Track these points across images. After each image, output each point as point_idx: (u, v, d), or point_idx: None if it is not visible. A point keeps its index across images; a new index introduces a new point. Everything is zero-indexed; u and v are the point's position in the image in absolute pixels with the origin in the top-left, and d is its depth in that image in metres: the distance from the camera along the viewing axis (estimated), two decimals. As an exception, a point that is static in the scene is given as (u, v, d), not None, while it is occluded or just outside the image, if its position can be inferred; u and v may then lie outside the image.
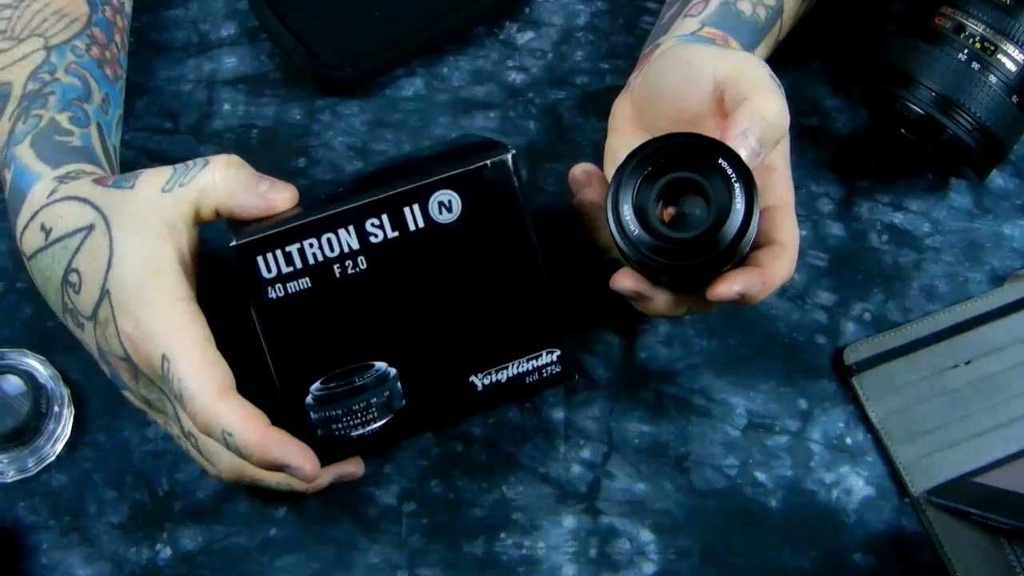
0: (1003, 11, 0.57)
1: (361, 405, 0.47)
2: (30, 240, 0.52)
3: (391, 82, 0.68)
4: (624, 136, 0.57)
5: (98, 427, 0.62)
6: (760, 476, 0.62)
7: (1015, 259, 0.65)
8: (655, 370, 0.63)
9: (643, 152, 0.50)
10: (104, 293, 0.49)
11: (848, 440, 0.62)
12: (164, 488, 0.62)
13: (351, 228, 0.47)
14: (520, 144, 0.66)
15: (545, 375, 0.50)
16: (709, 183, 0.49)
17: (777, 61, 0.60)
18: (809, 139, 0.66)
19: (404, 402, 0.48)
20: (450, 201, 0.48)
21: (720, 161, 0.48)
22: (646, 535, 0.61)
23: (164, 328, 0.48)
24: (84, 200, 0.51)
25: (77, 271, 0.50)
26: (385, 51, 0.66)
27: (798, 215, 0.55)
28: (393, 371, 0.47)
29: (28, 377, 0.60)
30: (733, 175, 0.48)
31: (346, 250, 0.47)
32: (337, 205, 0.48)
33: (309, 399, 0.47)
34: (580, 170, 0.55)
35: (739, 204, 0.48)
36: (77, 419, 0.62)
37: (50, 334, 0.63)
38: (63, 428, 0.62)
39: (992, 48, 0.57)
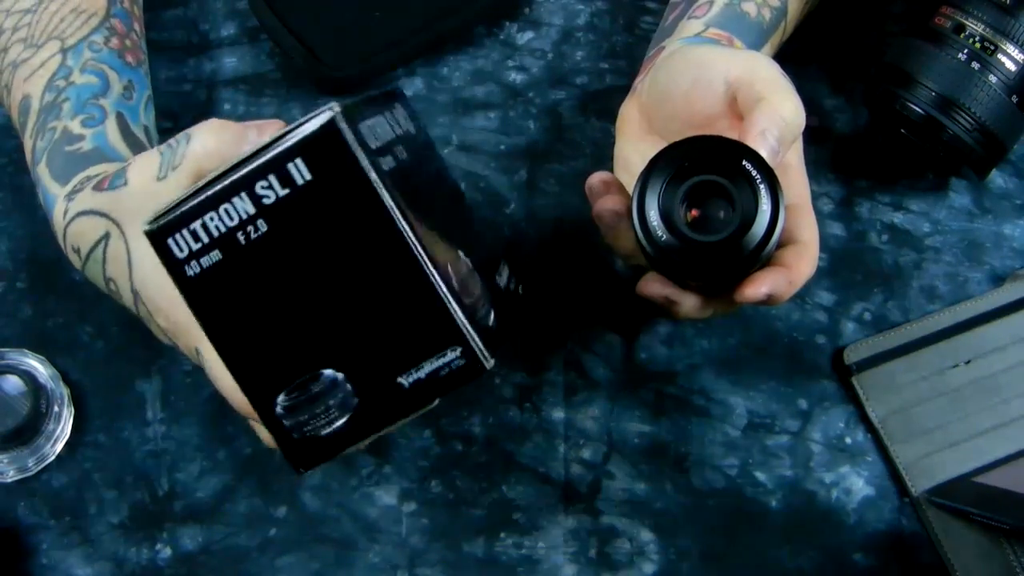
0: (1003, 11, 0.57)
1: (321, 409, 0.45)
2: (72, 259, 0.53)
3: (391, 82, 0.68)
4: (633, 141, 0.57)
5: (98, 427, 0.62)
6: (760, 476, 0.62)
7: (1015, 259, 0.65)
8: (655, 370, 0.63)
9: (666, 156, 0.50)
10: (135, 294, 0.50)
11: (848, 440, 0.62)
12: (164, 488, 0.62)
13: (244, 194, 0.42)
14: (520, 144, 0.67)
15: (455, 368, 0.44)
16: (734, 185, 0.49)
17: (777, 60, 0.60)
18: (809, 139, 0.66)
19: (357, 400, 0.44)
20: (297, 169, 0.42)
21: (744, 163, 0.48)
22: (646, 535, 0.61)
23: (191, 321, 0.47)
24: (92, 212, 0.51)
25: (112, 279, 0.51)
26: (385, 51, 0.67)
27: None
28: (341, 376, 0.45)
29: (28, 377, 0.60)
30: (758, 177, 0.48)
31: (244, 216, 0.42)
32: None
33: (279, 407, 0.44)
34: (597, 180, 0.53)
35: (765, 206, 0.48)
36: (77, 419, 0.62)
37: (50, 334, 0.63)
38: (63, 428, 0.62)
39: (992, 48, 0.57)
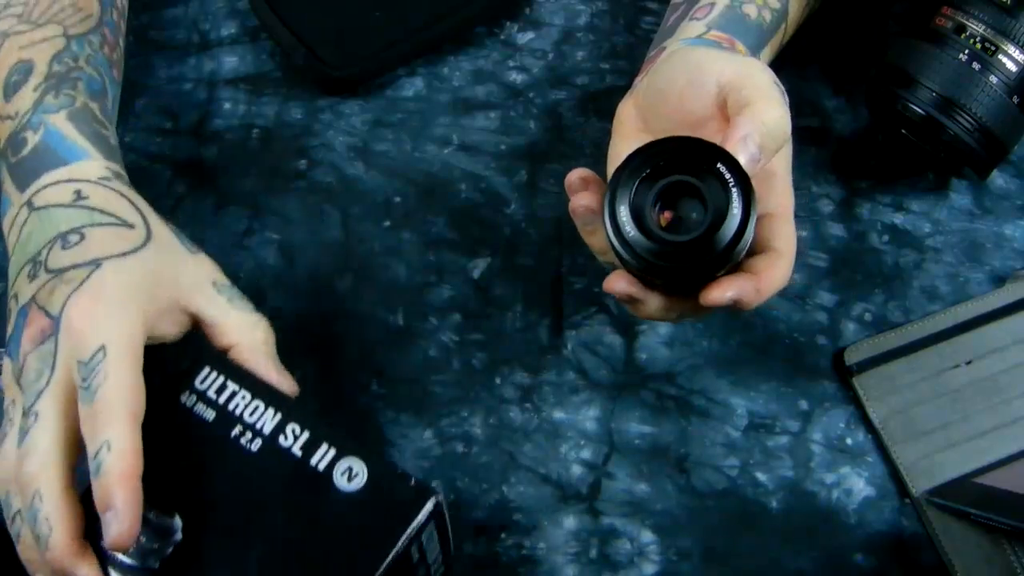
0: (1003, 11, 0.58)
1: None
2: (51, 195, 0.52)
3: (392, 81, 0.68)
4: (628, 139, 0.57)
5: (98, 427, 0.62)
6: (760, 476, 0.62)
7: (1015, 259, 0.65)
8: (655, 370, 0.63)
9: (642, 155, 0.50)
10: (96, 265, 0.49)
11: (848, 440, 0.62)
12: (164, 488, 0.62)
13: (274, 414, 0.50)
14: (520, 144, 0.67)
15: None
16: (706, 187, 0.49)
17: (777, 61, 0.60)
18: (809, 139, 0.66)
19: None
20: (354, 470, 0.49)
21: (718, 166, 0.48)
22: (647, 535, 0.61)
23: (122, 335, 0.47)
24: (139, 211, 0.52)
25: (84, 235, 0.50)
26: (386, 51, 0.67)
27: (798, 216, 0.55)
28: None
29: (28, 377, 0.59)
30: (731, 180, 0.48)
31: (257, 426, 0.50)
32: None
33: None
34: (576, 176, 0.54)
35: (736, 209, 0.48)
36: (77, 419, 0.62)
37: (50, 334, 0.63)
38: (63, 428, 0.61)
39: (993, 48, 0.58)
